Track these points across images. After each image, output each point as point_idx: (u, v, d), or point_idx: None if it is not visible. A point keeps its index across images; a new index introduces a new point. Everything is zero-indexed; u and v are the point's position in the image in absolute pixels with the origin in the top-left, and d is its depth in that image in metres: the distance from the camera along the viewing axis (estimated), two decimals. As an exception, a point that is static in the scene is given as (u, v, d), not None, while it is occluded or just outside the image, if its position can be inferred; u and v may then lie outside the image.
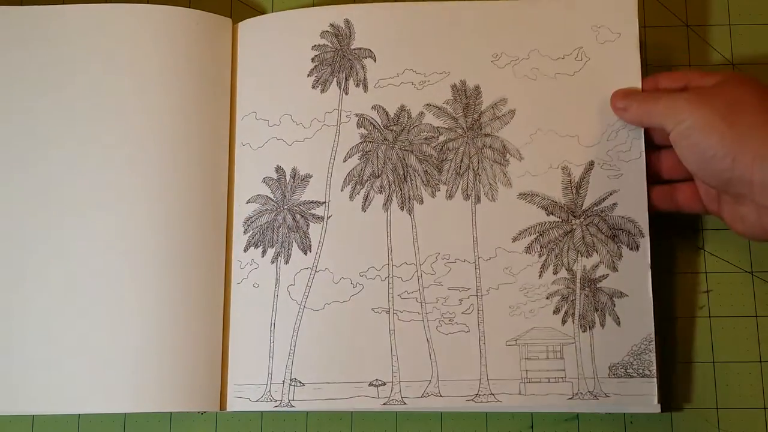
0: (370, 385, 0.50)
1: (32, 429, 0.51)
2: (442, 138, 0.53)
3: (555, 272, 0.51)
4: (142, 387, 0.49)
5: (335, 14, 0.55)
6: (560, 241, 0.51)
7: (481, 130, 0.53)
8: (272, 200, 0.53)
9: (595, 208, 0.51)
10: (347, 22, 0.54)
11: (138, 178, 0.51)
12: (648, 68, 0.56)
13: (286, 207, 0.53)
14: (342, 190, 0.53)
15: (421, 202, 0.52)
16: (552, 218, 0.52)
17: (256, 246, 0.53)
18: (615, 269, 0.51)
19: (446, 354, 0.51)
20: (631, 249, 0.51)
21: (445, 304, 0.51)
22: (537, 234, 0.51)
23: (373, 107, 0.54)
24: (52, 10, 0.54)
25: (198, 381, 0.49)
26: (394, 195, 0.53)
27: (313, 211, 0.53)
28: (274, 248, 0.53)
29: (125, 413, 0.51)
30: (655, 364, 0.49)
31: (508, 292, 0.51)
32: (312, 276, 0.52)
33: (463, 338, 0.51)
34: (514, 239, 0.51)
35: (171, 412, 0.51)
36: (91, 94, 0.52)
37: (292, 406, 0.50)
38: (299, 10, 0.55)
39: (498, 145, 0.53)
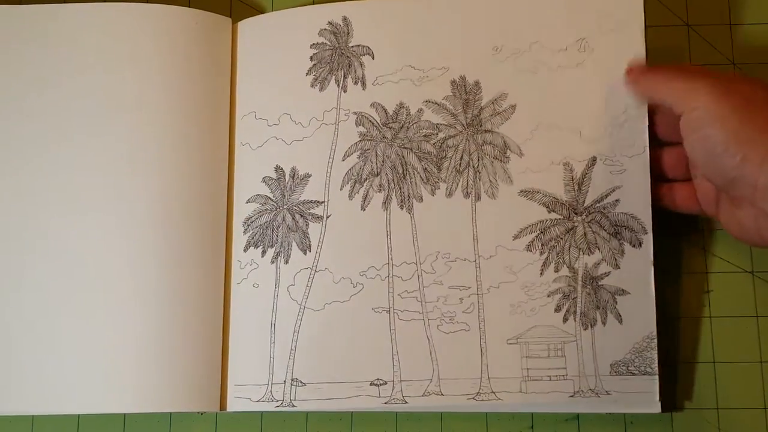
0: (371, 384, 0.50)
1: (32, 429, 0.51)
2: (441, 135, 0.53)
3: (556, 270, 0.51)
4: (142, 387, 0.49)
5: (334, 12, 0.55)
6: (562, 238, 0.51)
7: (481, 126, 0.53)
8: (272, 200, 0.53)
9: (598, 205, 0.51)
10: (345, 19, 0.54)
11: (138, 178, 0.51)
12: (648, 67, 0.56)
13: (285, 207, 0.53)
14: (341, 189, 0.53)
15: (421, 200, 0.52)
16: (553, 215, 0.51)
17: (256, 246, 0.53)
18: (617, 266, 0.50)
19: (447, 353, 0.50)
20: (634, 246, 0.50)
21: (445, 303, 0.51)
22: (538, 232, 0.51)
23: (372, 105, 0.54)
24: (51, 9, 0.54)
25: (198, 381, 0.49)
26: (394, 194, 0.53)
27: (312, 211, 0.53)
28: (273, 248, 0.53)
29: (125, 413, 0.51)
30: (656, 361, 0.49)
31: (509, 291, 0.51)
32: (312, 276, 0.52)
33: (464, 337, 0.51)
34: (515, 237, 0.51)
35: (171, 412, 0.51)
36: (90, 94, 0.53)
37: (293, 405, 0.50)
38: (298, 9, 0.55)
39: (498, 142, 0.52)
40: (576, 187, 0.51)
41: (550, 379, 0.50)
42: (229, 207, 0.53)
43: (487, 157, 0.52)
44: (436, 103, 0.53)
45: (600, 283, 0.50)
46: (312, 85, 0.54)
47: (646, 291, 0.50)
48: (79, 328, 0.50)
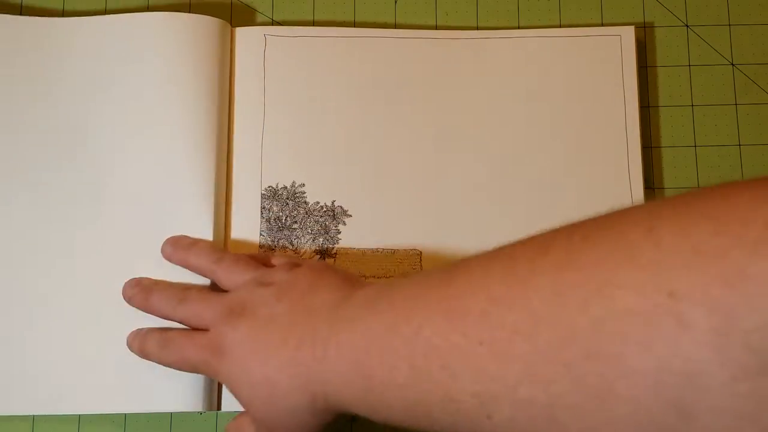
0: None
1: (32, 429, 0.51)
2: None
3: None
4: (142, 387, 0.49)
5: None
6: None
7: None
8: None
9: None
10: None
11: (138, 183, 0.51)
12: (648, 68, 0.56)
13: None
14: None
15: None
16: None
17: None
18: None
19: None
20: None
21: None
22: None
23: None
24: (53, 22, 0.54)
25: (198, 381, 0.49)
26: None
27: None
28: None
29: (125, 413, 0.51)
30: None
31: None
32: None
33: None
34: None
35: (171, 412, 0.51)
36: (90, 103, 0.52)
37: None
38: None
39: None
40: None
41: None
42: (228, 207, 0.53)
43: None
44: None
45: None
46: None
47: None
48: (79, 328, 0.49)
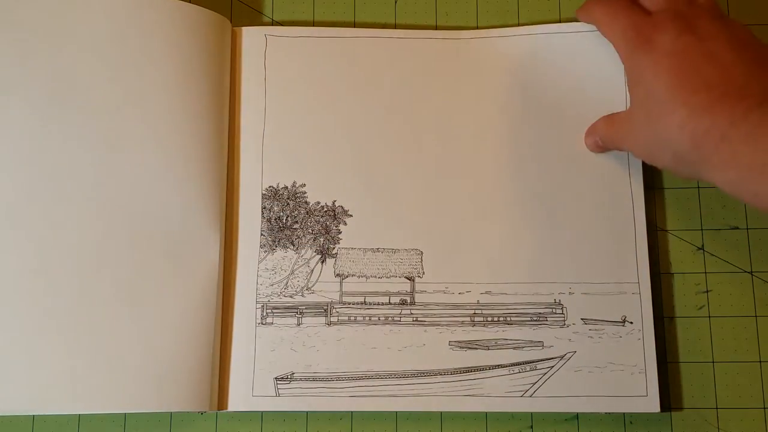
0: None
1: (32, 429, 0.51)
2: None
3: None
4: (142, 387, 0.49)
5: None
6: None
7: None
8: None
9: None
10: None
11: (137, 179, 0.51)
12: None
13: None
14: None
15: None
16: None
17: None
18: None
19: None
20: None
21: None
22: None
23: None
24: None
25: (198, 381, 0.49)
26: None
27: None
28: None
29: (125, 413, 0.51)
30: (655, 361, 0.49)
31: None
32: (312, 276, 0.52)
33: None
34: None
35: (171, 412, 0.51)
36: (87, 90, 0.52)
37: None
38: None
39: None
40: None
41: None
42: (230, 205, 0.53)
43: None
44: None
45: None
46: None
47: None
48: (79, 328, 0.49)
